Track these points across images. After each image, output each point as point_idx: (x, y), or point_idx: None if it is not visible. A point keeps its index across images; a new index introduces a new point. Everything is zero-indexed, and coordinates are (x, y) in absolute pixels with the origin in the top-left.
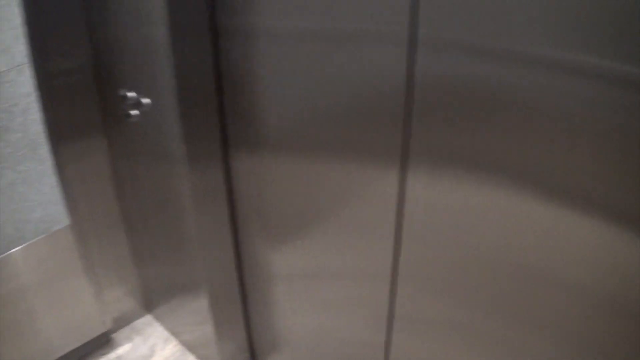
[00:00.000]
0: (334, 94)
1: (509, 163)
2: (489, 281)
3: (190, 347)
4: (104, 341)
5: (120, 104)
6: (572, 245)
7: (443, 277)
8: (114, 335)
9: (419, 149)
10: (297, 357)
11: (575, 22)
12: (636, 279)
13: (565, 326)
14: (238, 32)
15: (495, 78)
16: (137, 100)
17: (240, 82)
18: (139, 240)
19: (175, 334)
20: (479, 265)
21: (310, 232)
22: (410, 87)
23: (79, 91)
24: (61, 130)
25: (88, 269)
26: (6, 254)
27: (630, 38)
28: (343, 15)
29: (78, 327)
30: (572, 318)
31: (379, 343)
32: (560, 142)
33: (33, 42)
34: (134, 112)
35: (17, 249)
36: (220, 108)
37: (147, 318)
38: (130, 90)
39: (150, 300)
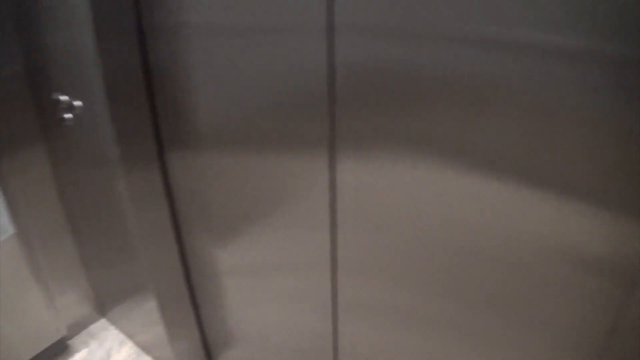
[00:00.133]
0: (261, 87)
1: (439, 141)
2: (431, 261)
3: (145, 348)
4: (61, 348)
5: (55, 108)
6: (513, 221)
7: (384, 261)
8: (70, 342)
9: (346, 135)
10: (251, 351)
11: None
12: (592, 257)
13: (510, 301)
14: (164, 30)
15: (414, 59)
16: (70, 104)
17: (170, 81)
18: (86, 244)
19: (130, 336)
20: (419, 245)
21: (251, 226)
22: (331, 75)
23: (15, 99)
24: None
25: (37, 277)
26: None
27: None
28: (263, 7)
29: (33, 336)
30: (514, 293)
31: (327, 332)
32: (490, 117)
33: None
34: (67, 115)
35: None
36: (152, 108)
37: (102, 322)
38: (63, 93)
39: (104, 304)
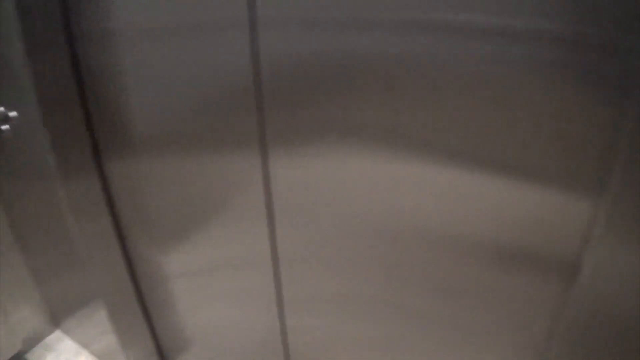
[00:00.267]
0: (190, 87)
1: (371, 130)
2: (370, 249)
3: (100, 357)
4: None
5: None
6: (448, 206)
7: (326, 253)
8: (27, 356)
9: (277, 130)
10: (205, 353)
11: None
12: (534, 233)
13: (457, 285)
14: (94, 35)
15: (341, 49)
16: (5, 115)
17: (103, 86)
18: (36, 256)
19: (84, 346)
20: (357, 234)
21: (193, 227)
22: (256, 70)
23: None
24: None
25: None
26: None
27: None
28: (186, 6)
29: None
30: (463, 276)
31: (275, 328)
32: (421, 102)
33: None
34: (4, 127)
35: None
36: (86, 114)
37: (57, 333)
38: None
39: (57, 315)
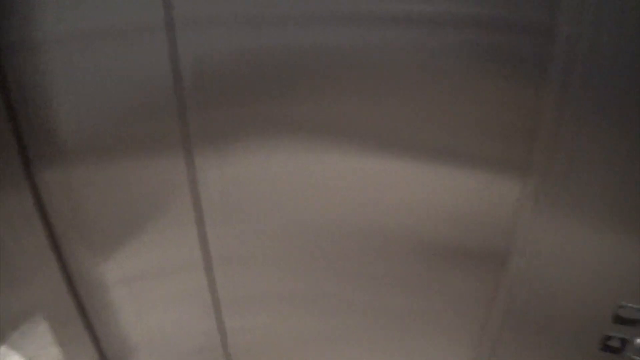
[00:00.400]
0: (116, 93)
1: (298, 124)
2: (312, 245)
3: None
4: None
5: None
6: (387, 195)
7: (263, 252)
8: None
9: (201, 131)
10: (149, 359)
11: None
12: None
13: (395, 276)
14: (20, 46)
15: (262, 45)
16: None
17: (32, 97)
18: None
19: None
20: (297, 231)
21: (128, 233)
22: (176, 73)
23: None
24: None
25: None
26: None
27: None
28: (104, 11)
29: None
30: (399, 267)
31: (213, 330)
32: (352, 93)
33: None
34: None
35: None
36: (15, 126)
37: (3, 349)
38: None
39: (2, 331)
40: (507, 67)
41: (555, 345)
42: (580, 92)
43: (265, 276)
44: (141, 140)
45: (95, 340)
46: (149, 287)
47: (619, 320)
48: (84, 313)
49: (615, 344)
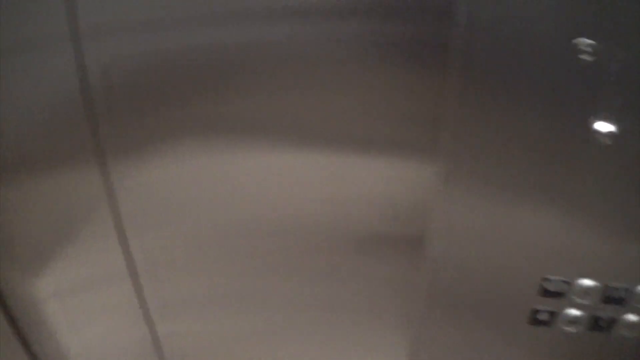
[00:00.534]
0: (26, 108)
1: (216, 124)
2: (240, 243)
3: None
4: None
5: None
6: (308, 189)
7: (191, 255)
8: None
9: (114, 139)
10: None
11: None
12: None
13: (326, 269)
14: None
15: (177, 48)
16: None
17: None
18: None
19: None
20: (224, 231)
21: (54, 249)
22: (84, 81)
23: None
24: None
25: None
26: None
27: None
28: (9, 25)
29: None
30: (329, 260)
31: (146, 339)
32: (262, 89)
33: None
34: None
35: None
36: None
37: None
38: None
39: None
40: (409, 54)
41: (484, 322)
42: (482, 75)
43: (193, 279)
44: (56, 154)
45: (32, 355)
46: (80, 300)
47: (546, 293)
48: (18, 330)
49: (544, 317)
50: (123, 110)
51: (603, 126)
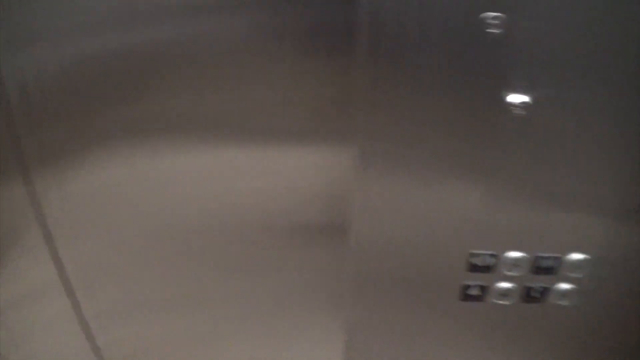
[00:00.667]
0: None
1: (140, 126)
2: (167, 245)
3: None
4: None
5: None
6: (236, 184)
7: (119, 262)
8: None
9: (35, 151)
10: None
11: None
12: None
13: (258, 264)
14: None
15: (91, 52)
16: None
17: None
18: None
19: None
20: (148, 234)
21: None
22: (2, 94)
23: None
24: None
25: None
26: None
27: None
28: None
29: None
30: (260, 250)
31: (87, 349)
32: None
33: None
34: None
35: None
36: None
37: None
38: None
39: None
40: (316, 41)
41: (416, 302)
42: (391, 55)
43: (127, 286)
44: None
45: None
46: (20, 316)
47: (474, 268)
48: None
49: (475, 292)
50: (43, 119)
51: (516, 97)
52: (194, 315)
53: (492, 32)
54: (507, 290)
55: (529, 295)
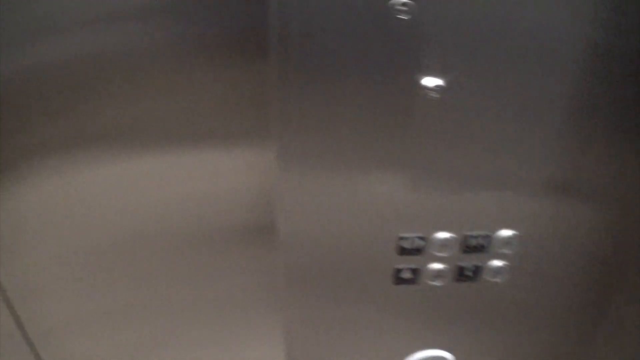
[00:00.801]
0: None
1: (82, 137)
2: (107, 256)
3: None
4: None
5: None
6: (153, 194)
7: (61, 276)
8: None
9: None
10: None
11: None
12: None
13: (191, 268)
14: None
15: (30, 63)
16: None
17: None
18: None
19: None
20: (87, 246)
21: None
22: None
23: None
24: None
25: None
26: None
27: None
28: None
29: None
30: (194, 256)
31: None
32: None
33: None
34: None
35: None
36: None
37: None
38: None
39: None
40: (227, 43)
41: (350, 291)
42: (302, 51)
43: (70, 299)
44: None
45: None
46: None
47: (404, 251)
48: None
49: (407, 275)
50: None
51: (430, 81)
52: (139, 326)
53: (402, 18)
54: (440, 271)
55: (461, 275)
